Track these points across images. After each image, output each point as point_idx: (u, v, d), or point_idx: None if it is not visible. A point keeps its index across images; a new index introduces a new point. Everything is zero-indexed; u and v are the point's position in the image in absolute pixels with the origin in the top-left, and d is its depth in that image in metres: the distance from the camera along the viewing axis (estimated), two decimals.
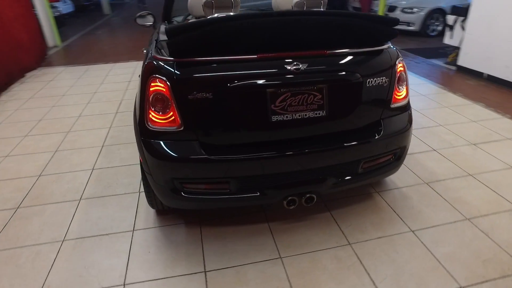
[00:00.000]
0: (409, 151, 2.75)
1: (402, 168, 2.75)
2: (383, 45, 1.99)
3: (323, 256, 1.95)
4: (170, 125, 1.76)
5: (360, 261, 1.92)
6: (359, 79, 1.86)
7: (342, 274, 1.84)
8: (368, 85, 1.89)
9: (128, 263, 1.93)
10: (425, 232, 2.11)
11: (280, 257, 1.95)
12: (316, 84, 1.80)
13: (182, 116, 1.74)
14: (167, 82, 1.70)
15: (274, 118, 1.78)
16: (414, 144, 3.10)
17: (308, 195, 1.94)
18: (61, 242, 2.08)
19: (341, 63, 1.86)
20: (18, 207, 2.40)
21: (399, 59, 2.02)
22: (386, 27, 1.95)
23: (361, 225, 2.18)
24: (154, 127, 1.77)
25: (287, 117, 1.80)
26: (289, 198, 1.92)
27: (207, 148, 1.78)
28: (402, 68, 2.04)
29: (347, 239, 2.07)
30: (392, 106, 2.03)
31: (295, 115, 1.81)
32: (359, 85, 1.88)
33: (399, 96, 2.06)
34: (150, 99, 1.74)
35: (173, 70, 1.71)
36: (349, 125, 1.96)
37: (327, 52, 1.84)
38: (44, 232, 2.17)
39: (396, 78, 2.00)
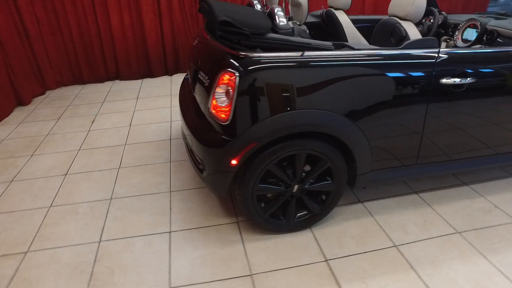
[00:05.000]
0: None
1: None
2: (230, 47, 1.84)
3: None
4: None
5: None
6: (198, 66, 2.17)
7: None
8: (199, 76, 2.11)
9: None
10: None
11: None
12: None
13: None
14: None
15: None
16: None
17: None
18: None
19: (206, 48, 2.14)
20: None
21: (228, 71, 1.78)
22: (218, 26, 1.77)
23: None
24: None
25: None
26: None
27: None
28: (228, 83, 1.79)
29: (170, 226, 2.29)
30: (210, 112, 1.90)
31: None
32: (197, 72, 2.17)
33: (216, 108, 1.87)
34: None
35: None
36: None
37: (207, 37, 2.17)
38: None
39: (216, 86, 1.85)
